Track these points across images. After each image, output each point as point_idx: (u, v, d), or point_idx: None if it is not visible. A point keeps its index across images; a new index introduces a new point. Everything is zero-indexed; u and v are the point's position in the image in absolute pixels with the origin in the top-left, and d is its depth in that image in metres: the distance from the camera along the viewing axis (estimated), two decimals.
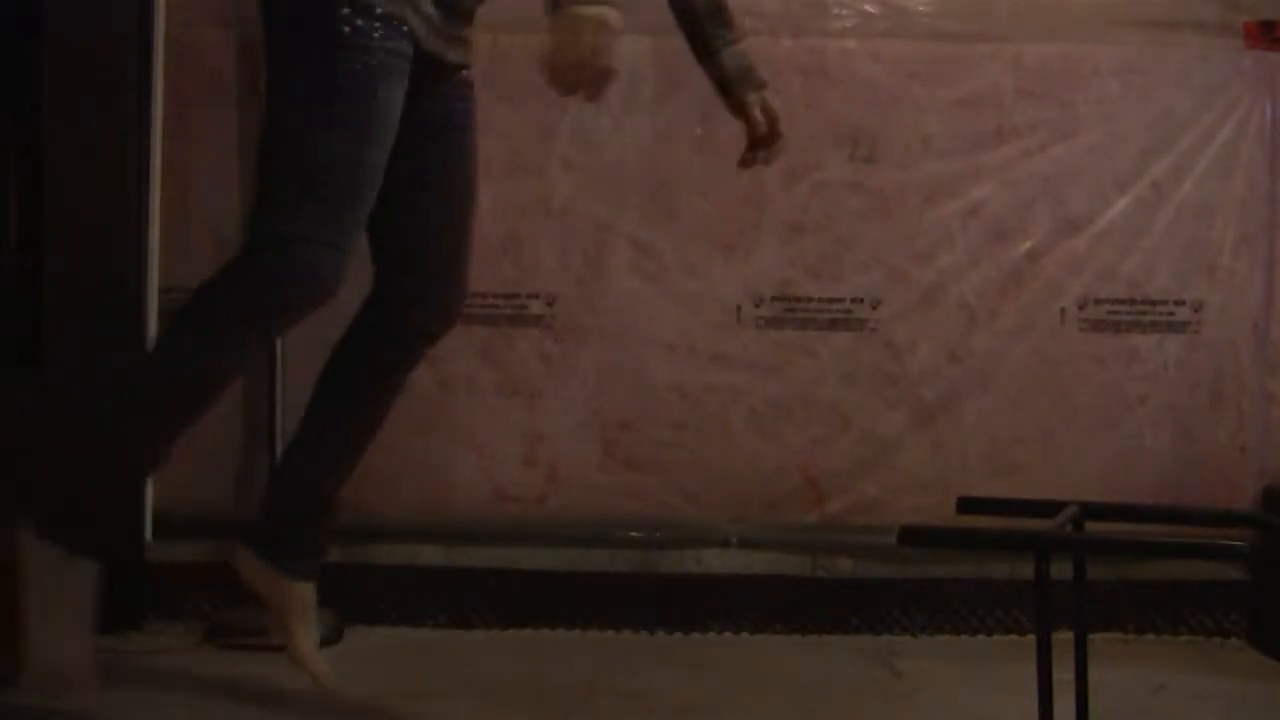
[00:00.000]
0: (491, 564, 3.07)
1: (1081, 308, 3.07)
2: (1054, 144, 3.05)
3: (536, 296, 3.04)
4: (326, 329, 3.05)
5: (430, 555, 3.08)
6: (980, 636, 3.07)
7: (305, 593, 2.36)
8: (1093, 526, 2.03)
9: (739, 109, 2.40)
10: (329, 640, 2.90)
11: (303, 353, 3.02)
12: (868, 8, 3.03)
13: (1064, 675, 1.91)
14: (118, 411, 2.13)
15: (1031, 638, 2.03)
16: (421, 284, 2.34)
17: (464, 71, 2.33)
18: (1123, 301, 3.07)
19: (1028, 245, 3.06)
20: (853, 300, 3.06)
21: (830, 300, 3.06)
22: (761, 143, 2.41)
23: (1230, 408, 3.07)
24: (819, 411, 3.06)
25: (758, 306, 3.05)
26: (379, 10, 2.09)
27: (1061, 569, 1.87)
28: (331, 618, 2.94)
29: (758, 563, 3.09)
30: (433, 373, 3.05)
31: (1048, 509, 1.99)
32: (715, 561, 3.08)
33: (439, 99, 2.28)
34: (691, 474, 3.06)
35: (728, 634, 3.07)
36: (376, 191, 2.13)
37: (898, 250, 3.06)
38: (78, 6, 2.72)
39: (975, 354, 3.07)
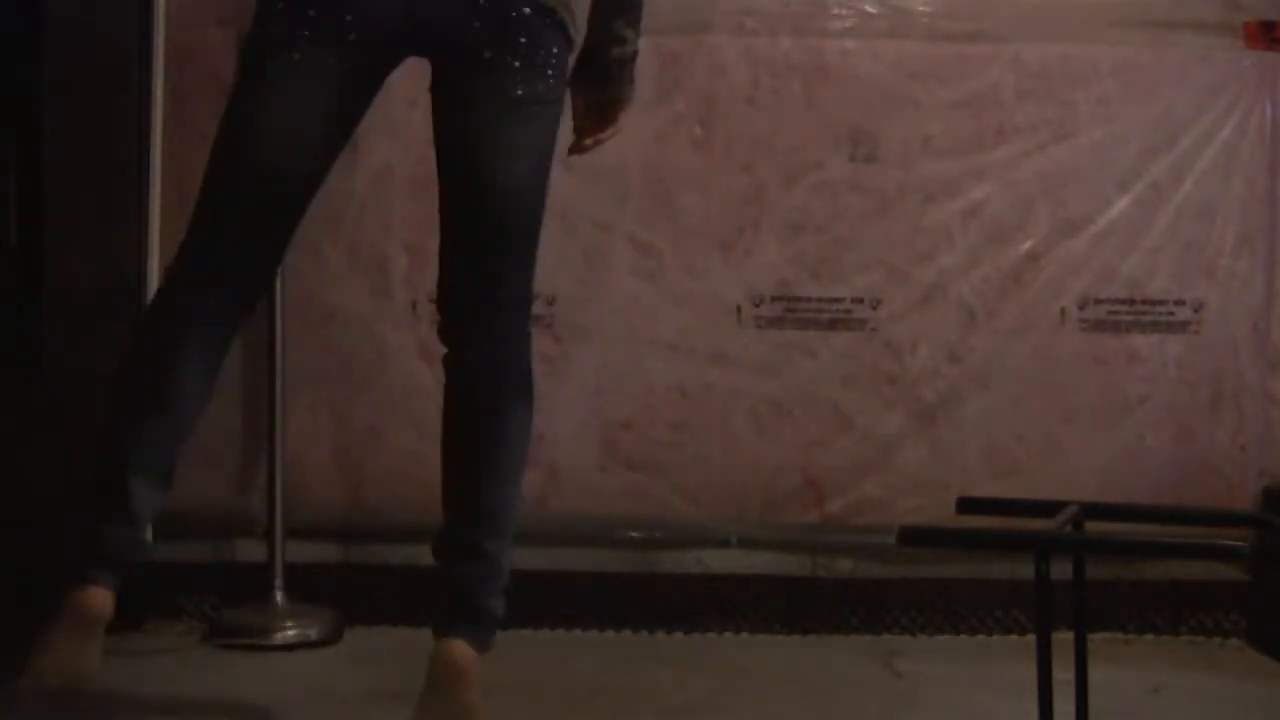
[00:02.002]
0: None
1: (1082, 308, 3.07)
2: (1054, 144, 3.05)
3: (536, 296, 3.03)
4: (325, 327, 3.07)
5: (430, 555, 3.07)
6: (980, 636, 3.07)
7: None
8: (1093, 526, 2.03)
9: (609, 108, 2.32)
10: (329, 640, 2.91)
11: (303, 353, 3.03)
12: (868, 8, 3.03)
13: (1064, 675, 1.91)
14: None
15: (1031, 638, 2.03)
16: None
17: None
18: (1123, 301, 3.07)
19: (1028, 245, 3.06)
20: (853, 300, 3.06)
21: (830, 300, 3.06)
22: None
23: (1230, 408, 3.07)
24: (819, 411, 3.05)
25: (758, 306, 3.05)
26: None
27: (1061, 569, 1.87)
28: (331, 618, 2.95)
29: (758, 563, 3.09)
30: (433, 373, 3.05)
31: (1048, 509, 1.99)
32: (715, 561, 3.08)
33: None
34: (691, 474, 3.06)
35: (728, 634, 3.07)
36: None
37: (898, 250, 3.06)
38: (78, 7, 2.72)
39: (975, 354, 3.07)
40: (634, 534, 3.06)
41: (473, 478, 2.20)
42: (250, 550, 3.03)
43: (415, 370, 3.05)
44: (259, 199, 2.12)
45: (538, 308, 3.05)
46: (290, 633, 2.88)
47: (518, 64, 2.13)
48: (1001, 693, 2.59)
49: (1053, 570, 1.80)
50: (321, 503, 3.05)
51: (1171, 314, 3.07)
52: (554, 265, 3.04)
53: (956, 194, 3.05)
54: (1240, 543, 2.16)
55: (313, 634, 2.89)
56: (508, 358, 2.21)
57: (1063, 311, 3.07)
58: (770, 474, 3.07)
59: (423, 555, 3.06)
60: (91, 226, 2.80)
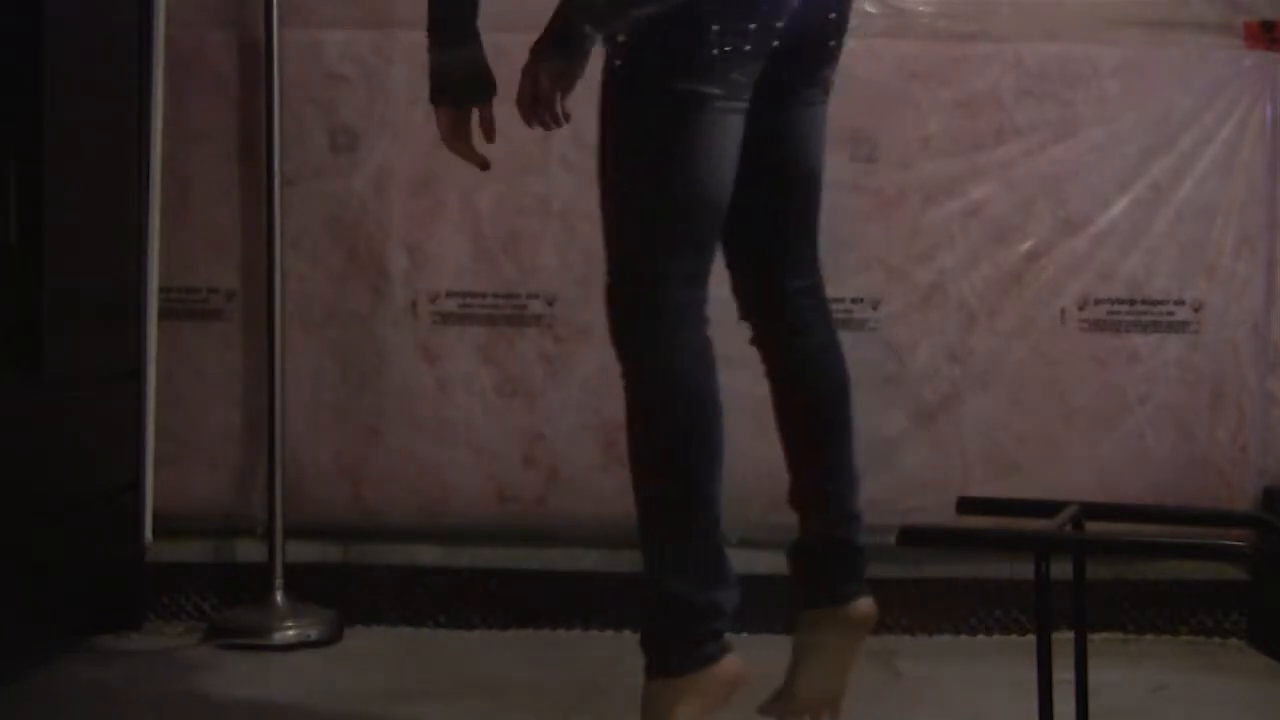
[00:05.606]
0: (491, 564, 3.07)
1: (1081, 308, 3.07)
2: (1054, 144, 3.05)
3: (536, 296, 3.04)
4: (326, 328, 3.07)
5: (430, 555, 3.07)
6: (980, 636, 3.07)
7: None
8: (1093, 526, 2.03)
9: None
10: (329, 640, 2.91)
11: (303, 353, 3.03)
12: (868, 8, 3.03)
13: (1064, 675, 1.91)
14: None
15: (1031, 638, 2.03)
16: None
17: None
18: (1123, 301, 3.07)
19: (1028, 245, 3.06)
20: (853, 300, 3.05)
21: (830, 300, 3.05)
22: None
23: (1230, 408, 3.07)
24: None
25: None
26: None
27: (1061, 569, 1.87)
28: (331, 618, 2.95)
29: (758, 563, 3.07)
30: (433, 373, 3.05)
31: (1048, 509, 1.99)
32: None
33: None
34: None
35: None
36: None
37: (898, 250, 3.06)
38: (78, 6, 2.72)
39: (975, 354, 3.06)
40: (634, 534, 3.05)
41: (842, 447, 2.43)
42: (250, 550, 3.03)
43: (415, 370, 3.05)
44: None
45: (538, 308, 3.05)
46: (290, 633, 2.88)
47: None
48: (1001, 693, 2.59)
49: (1053, 570, 1.80)
50: (321, 503, 3.05)
51: (1171, 314, 3.07)
52: (554, 265, 3.05)
53: (956, 194, 3.05)
54: (1240, 543, 2.16)
55: (313, 634, 2.89)
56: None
57: (1063, 311, 3.07)
58: (770, 474, 3.06)
59: (422, 555, 3.09)
60: (91, 226, 2.80)
